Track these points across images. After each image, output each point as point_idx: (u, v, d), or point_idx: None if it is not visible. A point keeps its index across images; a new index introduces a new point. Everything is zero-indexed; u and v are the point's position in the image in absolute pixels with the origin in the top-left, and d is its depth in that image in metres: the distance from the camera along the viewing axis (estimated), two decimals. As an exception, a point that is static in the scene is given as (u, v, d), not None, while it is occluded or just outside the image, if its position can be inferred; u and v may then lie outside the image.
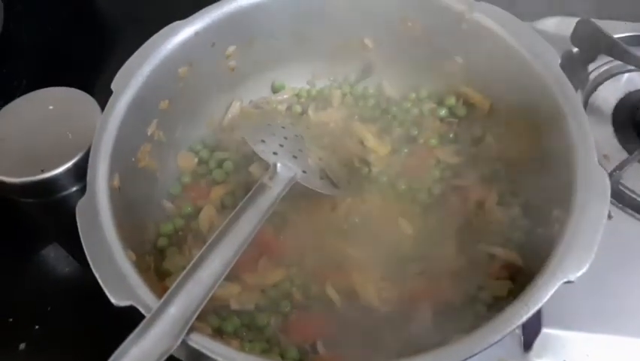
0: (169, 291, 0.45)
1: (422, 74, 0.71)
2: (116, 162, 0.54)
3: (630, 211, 0.69)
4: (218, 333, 0.55)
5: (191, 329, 0.44)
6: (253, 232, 0.51)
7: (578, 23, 0.80)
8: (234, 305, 0.57)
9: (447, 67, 0.68)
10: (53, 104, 0.69)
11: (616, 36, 0.78)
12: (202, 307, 0.45)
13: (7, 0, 0.87)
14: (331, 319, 0.57)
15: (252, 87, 0.72)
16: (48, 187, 0.65)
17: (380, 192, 0.66)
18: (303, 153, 0.61)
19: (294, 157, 0.59)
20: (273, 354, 0.54)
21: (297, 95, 0.74)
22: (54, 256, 0.76)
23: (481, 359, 0.60)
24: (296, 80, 0.74)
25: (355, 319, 0.57)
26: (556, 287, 0.44)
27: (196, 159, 0.68)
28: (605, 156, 0.73)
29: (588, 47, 0.81)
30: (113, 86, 0.57)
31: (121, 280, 0.46)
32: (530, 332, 0.61)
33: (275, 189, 0.55)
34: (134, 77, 0.58)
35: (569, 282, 0.45)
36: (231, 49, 0.66)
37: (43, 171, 0.64)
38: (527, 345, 0.61)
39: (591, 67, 0.81)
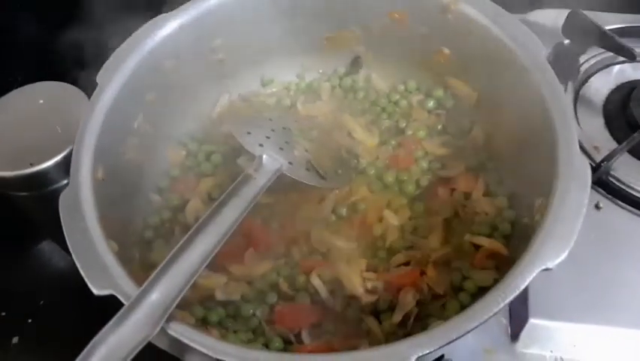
0: (149, 279, 0.45)
1: (410, 65, 0.72)
2: (100, 155, 0.54)
3: (619, 202, 0.69)
4: (203, 324, 0.55)
5: (172, 318, 0.44)
6: (236, 221, 0.51)
7: (569, 15, 0.80)
8: (220, 296, 0.57)
9: (435, 58, 0.68)
10: (43, 99, 0.69)
11: (607, 28, 0.78)
12: (182, 295, 0.45)
13: (1, -4, 0.87)
14: (316, 309, 0.57)
15: (241, 80, 0.72)
16: (38, 181, 0.65)
17: (368, 184, 0.66)
18: (290, 144, 0.61)
19: (281, 149, 0.59)
20: (256, 344, 0.54)
21: (287, 88, 0.75)
22: (47, 250, 0.76)
23: (467, 350, 0.61)
24: (285, 74, 0.74)
25: (340, 309, 0.57)
26: (533, 274, 0.44)
27: (184, 152, 0.69)
28: (596, 148, 0.73)
29: (579, 39, 0.81)
30: (98, 79, 0.58)
31: (102, 270, 0.46)
32: (517, 322, 0.62)
33: (260, 180, 0.55)
34: (119, 70, 0.58)
35: (547, 269, 0.44)
36: (218, 42, 0.67)
37: (32, 165, 0.64)
38: (514, 336, 0.61)
39: (582, 59, 0.82)
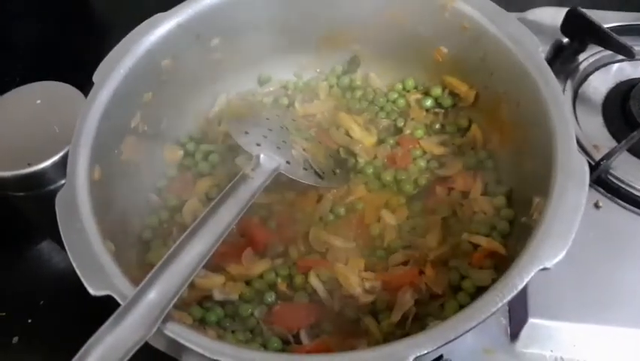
0: (146, 278, 0.45)
1: (408, 64, 0.71)
2: (97, 154, 0.54)
3: (619, 201, 0.68)
4: (201, 324, 0.55)
5: (169, 318, 0.44)
6: (233, 221, 0.51)
7: (567, 13, 0.80)
8: (218, 296, 0.57)
9: (432, 57, 0.68)
10: (41, 98, 0.69)
11: (606, 26, 0.78)
12: (179, 295, 0.45)
13: (0, -1, 0.88)
14: (315, 309, 0.57)
15: (239, 79, 0.72)
16: (36, 181, 0.65)
17: (366, 183, 0.66)
18: (287, 144, 0.61)
19: (278, 148, 0.59)
20: (254, 344, 0.54)
21: (284, 87, 0.74)
22: (47, 250, 0.76)
23: (466, 349, 0.60)
24: (282, 72, 0.74)
25: (338, 309, 0.57)
26: (531, 274, 0.44)
27: (182, 152, 0.68)
28: (595, 146, 0.72)
29: (578, 37, 0.80)
30: (94, 78, 0.57)
31: (98, 270, 0.46)
32: (517, 322, 0.61)
33: (257, 180, 0.55)
34: (115, 69, 0.58)
35: (545, 269, 0.44)
36: (216, 41, 0.66)
37: (30, 165, 0.64)
38: (514, 335, 0.61)
39: (581, 57, 0.81)
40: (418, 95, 0.71)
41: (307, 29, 0.70)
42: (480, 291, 0.55)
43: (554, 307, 0.61)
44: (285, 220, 0.63)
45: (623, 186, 0.68)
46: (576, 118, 0.76)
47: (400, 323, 0.55)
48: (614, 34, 0.75)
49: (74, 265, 0.46)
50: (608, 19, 0.82)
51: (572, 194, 0.48)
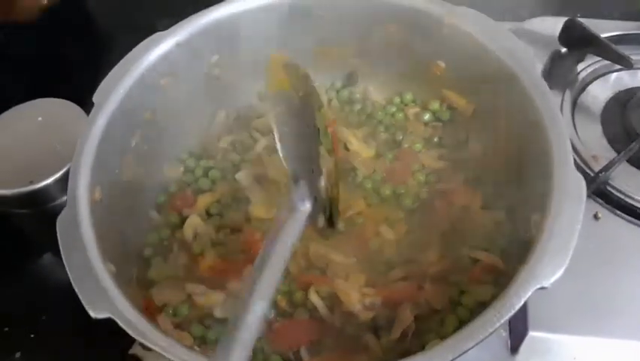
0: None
1: (407, 78, 0.72)
2: (97, 175, 0.54)
3: (618, 212, 0.68)
4: (202, 342, 0.55)
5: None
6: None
7: (565, 23, 0.80)
8: (218, 314, 0.57)
9: (430, 71, 0.68)
10: (42, 116, 0.70)
11: (604, 35, 0.78)
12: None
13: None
14: (315, 325, 0.57)
15: (238, 95, 0.72)
16: (37, 198, 0.66)
17: (365, 197, 0.66)
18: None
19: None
20: (255, 362, 0.55)
21: (284, 102, 0.74)
22: (49, 266, 0.77)
23: (467, 363, 0.61)
24: (282, 87, 0.74)
25: (339, 325, 0.57)
26: (529, 294, 0.44)
27: (182, 168, 0.69)
28: (594, 157, 0.72)
29: (576, 47, 0.80)
30: (94, 99, 0.58)
31: (100, 293, 0.46)
32: (517, 335, 0.61)
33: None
34: (115, 89, 0.58)
35: (542, 288, 0.44)
36: (215, 58, 0.67)
37: (32, 183, 0.65)
38: (514, 348, 0.61)
39: (580, 67, 0.81)
40: (417, 109, 0.71)
41: (306, 44, 0.70)
42: (479, 306, 0.55)
43: (554, 319, 0.61)
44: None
45: (623, 197, 0.68)
46: (575, 128, 0.76)
47: (400, 338, 0.55)
48: (612, 45, 0.76)
49: (75, 288, 0.46)
50: (607, 29, 0.82)
51: (569, 212, 0.48)
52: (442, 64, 0.67)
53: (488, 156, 0.65)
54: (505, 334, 0.62)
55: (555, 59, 0.82)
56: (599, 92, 0.80)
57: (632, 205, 0.68)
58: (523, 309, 0.61)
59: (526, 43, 0.62)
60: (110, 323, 0.45)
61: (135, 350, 0.60)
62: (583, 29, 0.78)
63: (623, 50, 0.75)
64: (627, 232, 0.67)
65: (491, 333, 0.43)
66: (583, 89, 0.80)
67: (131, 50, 0.62)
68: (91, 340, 0.63)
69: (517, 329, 0.61)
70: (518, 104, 0.58)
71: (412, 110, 0.71)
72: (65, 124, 0.68)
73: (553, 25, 0.83)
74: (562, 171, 0.50)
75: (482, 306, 0.50)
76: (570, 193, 0.49)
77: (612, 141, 0.75)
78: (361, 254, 0.62)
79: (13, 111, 0.70)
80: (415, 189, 0.66)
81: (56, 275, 0.76)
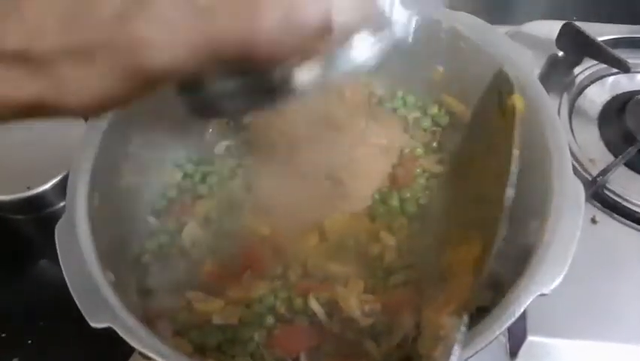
0: None
1: (405, 83, 0.71)
2: (96, 182, 0.54)
3: (616, 216, 0.69)
4: (200, 349, 0.55)
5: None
6: None
7: (562, 27, 0.81)
8: (217, 320, 0.57)
9: (429, 76, 0.68)
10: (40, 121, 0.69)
11: (600, 39, 0.78)
12: None
13: None
14: (315, 331, 0.57)
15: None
16: (35, 204, 0.66)
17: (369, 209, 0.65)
18: None
19: None
20: (255, 369, 0.54)
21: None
22: (47, 272, 0.76)
23: (466, 367, 0.61)
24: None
25: (338, 331, 0.57)
26: (528, 301, 0.44)
27: (181, 174, 0.68)
28: (592, 161, 0.73)
29: (573, 51, 0.81)
30: (93, 105, 0.57)
31: (99, 302, 0.46)
32: (516, 339, 0.61)
33: None
34: (114, 95, 0.58)
35: (542, 295, 0.45)
36: (213, 62, 0.66)
37: (29, 188, 0.65)
38: (513, 353, 0.61)
39: (577, 70, 0.82)
40: (417, 114, 0.71)
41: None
42: (479, 311, 0.56)
43: (553, 324, 0.61)
44: (285, 242, 0.62)
45: (620, 200, 0.69)
46: (572, 132, 0.76)
47: (400, 344, 0.55)
48: (609, 49, 0.76)
49: (74, 297, 0.46)
50: (604, 32, 0.82)
51: (567, 218, 0.48)
52: (441, 68, 0.67)
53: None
54: (504, 339, 0.62)
55: (552, 62, 0.82)
56: (597, 96, 0.80)
57: (630, 209, 0.68)
58: (522, 314, 0.61)
59: (523, 47, 0.62)
60: (107, 330, 0.45)
61: (135, 358, 0.60)
62: (580, 33, 0.78)
63: (620, 53, 0.76)
64: (625, 235, 0.67)
65: (491, 341, 0.43)
66: (580, 92, 0.81)
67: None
68: (89, 346, 0.63)
69: (516, 334, 0.61)
70: (517, 109, 0.57)
71: (412, 115, 0.71)
72: (63, 129, 0.68)
73: (550, 29, 0.83)
74: (560, 177, 0.50)
75: (481, 311, 0.50)
76: (569, 199, 0.49)
77: (610, 145, 0.75)
78: (361, 260, 0.61)
79: (9, 116, 0.69)
80: (418, 193, 0.66)
81: (54, 281, 0.75)
